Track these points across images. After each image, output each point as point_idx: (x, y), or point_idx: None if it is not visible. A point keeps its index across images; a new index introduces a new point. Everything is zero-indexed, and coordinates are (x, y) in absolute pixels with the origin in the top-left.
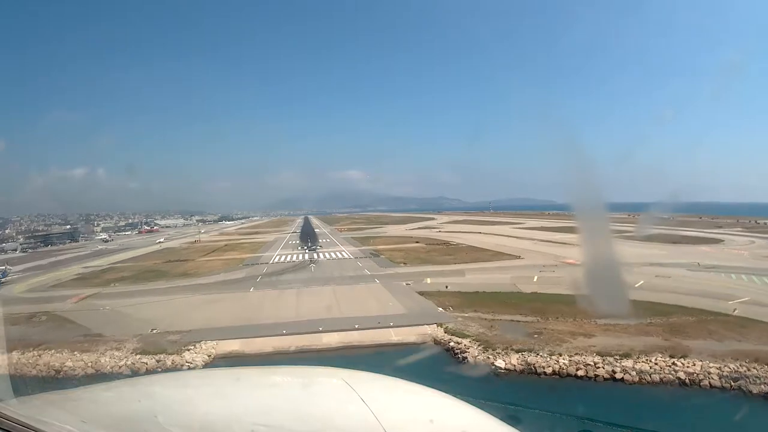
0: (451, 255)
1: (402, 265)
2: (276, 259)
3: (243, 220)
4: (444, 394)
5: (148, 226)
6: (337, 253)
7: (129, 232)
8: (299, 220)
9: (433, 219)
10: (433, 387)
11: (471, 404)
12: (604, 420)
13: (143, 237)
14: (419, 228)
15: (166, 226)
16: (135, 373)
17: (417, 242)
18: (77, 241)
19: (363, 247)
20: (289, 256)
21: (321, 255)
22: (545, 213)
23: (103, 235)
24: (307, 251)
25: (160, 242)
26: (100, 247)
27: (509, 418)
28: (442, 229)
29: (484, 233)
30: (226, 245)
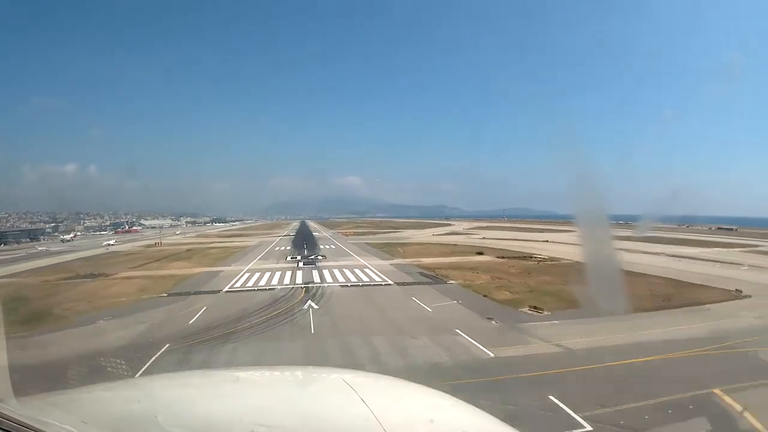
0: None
1: (534, 312)
2: (240, 282)
3: (236, 223)
4: (444, 394)
5: (128, 225)
6: (357, 272)
7: (105, 232)
8: (295, 224)
9: (450, 224)
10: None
11: (471, 404)
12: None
13: (112, 237)
14: (449, 233)
15: (152, 227)
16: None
17: (479, 254)
18: (38, 239)
19: (396, 260)
20: (267, 276)
21: (326, 275)
22: (571, 222)
23: (70, 235)
24: (300, 264)
25: (108, 245)
26: (40, 249)
27: (509, 418)
28: (484, 236)
29: (558, 242)
30: (188, 250)
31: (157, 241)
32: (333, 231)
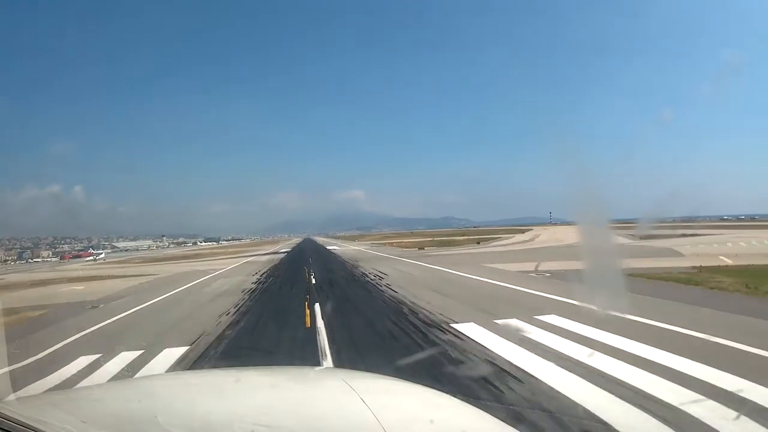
0: None
1: None
2: None
3: (225, 242)
4: (444, 394)
5: (99, 248)
6: None
7: (55, 258)
8: (296, 239)
9: (530, 230)
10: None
11: (471, 404)
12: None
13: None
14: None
15: (125, 249)
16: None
17: None
18: None
19: None
20: None
21: None
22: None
23: None
24: None
25: None
26: None
27: (509, 418)
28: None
29: None
30: None
31: None
32: (364, 244)
